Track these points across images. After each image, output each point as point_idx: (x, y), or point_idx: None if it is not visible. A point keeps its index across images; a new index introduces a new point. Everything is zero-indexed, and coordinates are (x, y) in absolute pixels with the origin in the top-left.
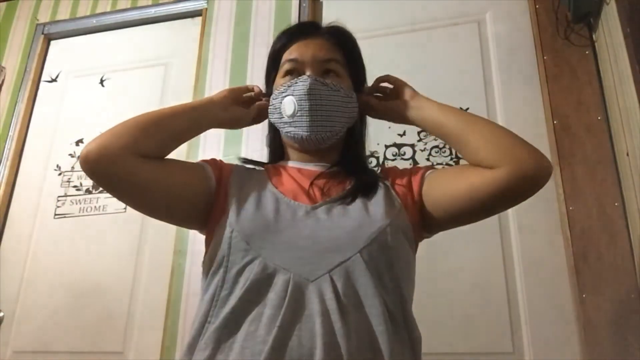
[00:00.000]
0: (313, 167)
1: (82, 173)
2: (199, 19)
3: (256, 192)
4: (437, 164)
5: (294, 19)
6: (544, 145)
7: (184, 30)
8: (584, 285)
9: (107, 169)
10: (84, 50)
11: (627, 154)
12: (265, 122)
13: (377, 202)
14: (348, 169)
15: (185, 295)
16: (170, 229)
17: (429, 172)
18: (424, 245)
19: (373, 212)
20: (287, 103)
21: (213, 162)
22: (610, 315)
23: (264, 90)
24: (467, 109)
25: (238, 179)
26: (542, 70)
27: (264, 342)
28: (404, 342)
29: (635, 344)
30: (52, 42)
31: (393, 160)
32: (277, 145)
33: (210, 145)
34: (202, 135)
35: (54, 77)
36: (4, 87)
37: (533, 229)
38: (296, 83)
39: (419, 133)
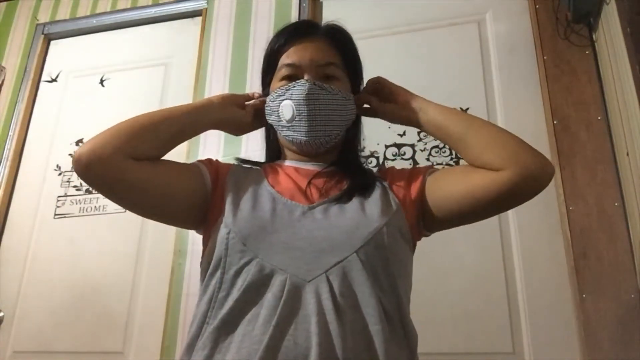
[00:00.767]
0: (311, 167)
1: None
2: (199, 19)
3: (253, 192)
4: (437, 164)
5: (294, 19)
6: (544, 145)
7: (184, 30)
8: (584, 285)
9: (99, 172)
10: (84, 50)
11: (627, 154)
12: None
13: (374, 202)
14: (345, 168)
15: (185, 295)
16: (170, 229)
17: (430, 172)
18: (424, 245)
19: (370, 212)
20: (285, 107)
21: (209, 162)
22: (610, 315)
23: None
24: (467, 109)
25: (234, 179)
26: (542, 70)
27: (259, 342)
28: (401, 342)
29: (635, 343)
30: (52, 42)
31: (393, 160)
32: (274, 144)
33: (210, 145)
34: (202, 135)
35: (54, 77)
36: (4, 87)
37: (533, 229)
38: (294, 87)
39: (418, 133)
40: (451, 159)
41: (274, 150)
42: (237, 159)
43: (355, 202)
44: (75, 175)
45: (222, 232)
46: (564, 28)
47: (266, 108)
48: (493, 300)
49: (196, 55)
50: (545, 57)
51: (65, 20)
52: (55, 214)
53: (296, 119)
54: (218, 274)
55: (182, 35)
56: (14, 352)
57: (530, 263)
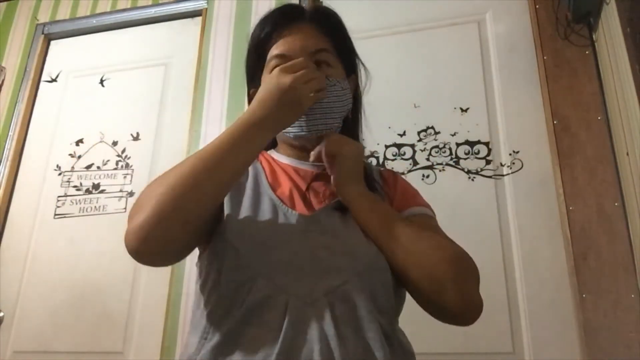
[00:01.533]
0: (310, 168)
1: (82, 173)
2: (199, 19)
3: (253, 197)
4: (437, 164)
5: None
6: (544, 145)
7: (184, 30)
8: (584, 285)
9: (156, 257)
10: (84, 50)
11: (627, 154)
12: None
13: None
14: None
15: (185, 295)
16: None
17: (407, 214)
18: None
19: None
20: None
21: None
22: (610, 315)
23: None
24: (468, 109)
25: (236, 185)
26: (542, 70)
27: None
28: None
29: (635, 344)
30: (52, 42)
31: (393, 160)
32: None
33: None
34: (202, 134)
35: (54, 77)
36: (4, 87)
37: (533, 229)
38: None
39: (419, 133)
40: (451, 159)
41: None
42: None
43: None
44: (75, 175)
45: (219, 246)
46: (564, 28)
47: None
48: (493, 300)
49: (196, 55)
50: (545, 57)
51: (65, 20)
52: (55, 214)
53: None
54: (216, 289)
55: (182, 35)
56: (14, 352)
57: (530, 263)
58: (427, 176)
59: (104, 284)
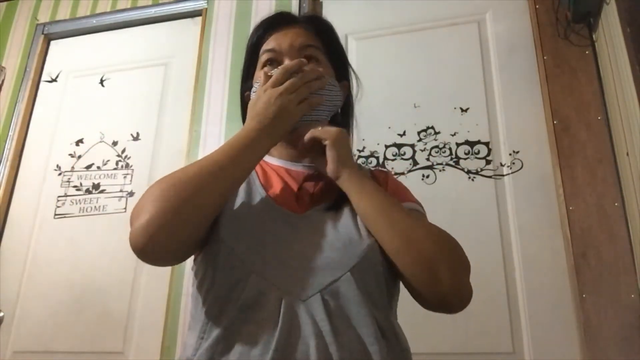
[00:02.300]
0: (301, 169)
1: (82, 173)
2: (199, 19)
3: (246, 196)
4: (437, 164)
5: None
6: (544, 145)
7: (184, 30)
8: (584, 285)
9: (161, 256)
10: (84, 50)
11: (627, 154)
12: None
13: None
14: None
15: (185, 296)
16: None
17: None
18: None
19: (362, 226)
20: None
21: None
22: (610, 315)
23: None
24: (468, 109)
25: None
26: (542, 70)
27: None
28: (397, 358)
29: (635, 344)
30: (52, 42)
31: (393, 160)
32: None
33: (211, 146)
34: (202, 135)
35: (54, 77)
36: (4, 87)
37: (533, 229)
38: (275, 72)
39: (419, 133)
40: (451, 159)
41: None
42: None
43: (346, 212)
44: (75, 175)
45: (214, 247)
46: (564, 28)
47: (250, 100)
48: (493, 300)
49: (196, 55)
50: (545, 57)
51: (65, 20)
52: (55, 214)
53: None
54: (212, 289)
55: (182, 35)
56: (14, 352)
57: (530, 263)
58: (427, 176)
59: (104, 284)
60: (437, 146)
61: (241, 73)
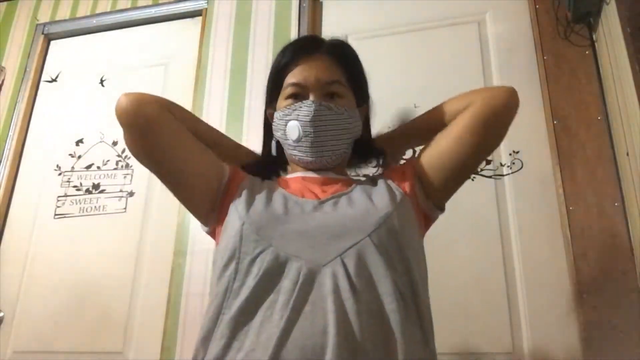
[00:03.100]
0: (317, 175)
1: (82, 173)
2: (199, 19)
3: (266, 192)
4: None
5: (294, 19)
6: (544, 145)
7: (184, 30)
8: (584, 285)
9: (140, 111)
10: (84, 50)
11: (627, 154)
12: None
13: (380, 194)
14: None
15: (185, 295)
16: (171, 229)
17: (417, 153)
18: (424, 245)
19: (377, 201)
20: (292, 128)
21: (232, 167)
22: (610, 315)
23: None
24: None
25: (250, 183)
26: (542, 70)
27: (277, 326)
28: (415, 321)
29: (635, 344)
30: (52, 42)
31: None
32: (281, 154)
33: None
34: None
35: (54, 77)
36: (4, 87)
37: (533, 229)
38: (300, 108)
39: None
40: None
41: (281, 160)
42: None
43: (362, 195)
44: (75, 175)
45: (236, 224)
46: (564, 28)
47: (273, 124)
48: (493, 300)
49: (196, 55)
50: (545, 57)
51: (65, 20)
52: (55, 214)
53: (302, 140)
54: (232, 264)
55: (182, 35)
56: (14, 352)
57: (530, 263)
58: None
59: (104, 284)
60: None
61: (265, 91)
